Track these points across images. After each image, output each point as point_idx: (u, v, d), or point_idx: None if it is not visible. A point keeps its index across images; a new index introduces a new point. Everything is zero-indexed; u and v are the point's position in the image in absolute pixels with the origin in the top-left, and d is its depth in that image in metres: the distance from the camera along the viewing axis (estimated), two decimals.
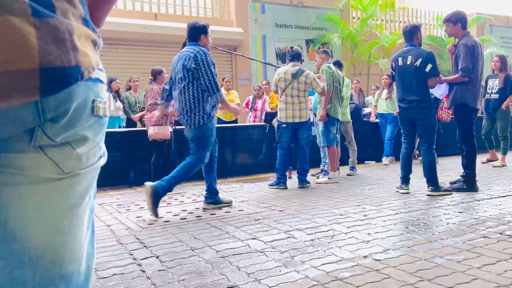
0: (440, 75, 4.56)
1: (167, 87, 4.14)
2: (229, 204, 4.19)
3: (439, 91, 4.81)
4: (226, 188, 5.32)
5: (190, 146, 4.00)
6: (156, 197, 3.61)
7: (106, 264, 2.56)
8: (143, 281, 2.27)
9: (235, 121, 7.84)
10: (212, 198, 4.15)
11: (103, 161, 0.83)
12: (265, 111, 7.81)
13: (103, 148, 0.83)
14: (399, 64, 4.53)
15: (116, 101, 6.71)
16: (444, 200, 4.15)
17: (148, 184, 3.63)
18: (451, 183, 4.77)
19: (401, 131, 4.75)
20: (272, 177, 5.61)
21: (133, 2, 9.85)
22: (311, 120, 5.78)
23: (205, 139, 3.91)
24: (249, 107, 7.97)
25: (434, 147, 4.54)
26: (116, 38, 9.15)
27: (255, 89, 8.02)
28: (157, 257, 2.65)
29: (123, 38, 9.20)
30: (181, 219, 3.71)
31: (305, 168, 5.25)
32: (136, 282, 2.26)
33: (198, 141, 3.91)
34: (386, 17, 12.84)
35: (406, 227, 3.19)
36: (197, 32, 4.00)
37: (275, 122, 5.49)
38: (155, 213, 3.63)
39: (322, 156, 5.98)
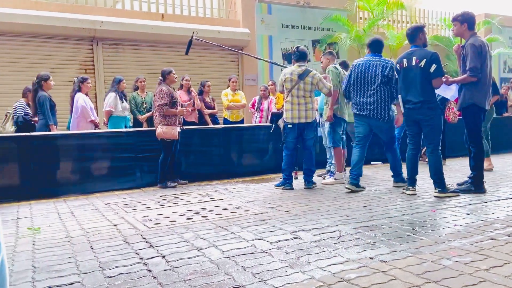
0: (447, 76, 4.53)
1: (344, 87, 5.14)
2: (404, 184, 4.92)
3: (449, 92, 4.76)
4: (232, 189, 5.33)
5: (382, 137, 5.06)
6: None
7: (113, 263, 2.57)
8: (149, 280, 2.28)
9: (241, 122, 7.85)
10: (399, 178, 5.08)
11: None
12: (271, 112, 7.82)
13: None
14: (404, 66, 4.51)
15: (122, 102, 6.74)
16: (451, 202, 4.12)
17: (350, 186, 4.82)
18: (459, 184, 4.74)
19: (407, 132, 4.73)
20: (278, 177, 5.61)
21: (140, 2, 9.89)
22: (317, 121, 5.77)
23: (393, 129, 5.05)
24: (255, 107, 7.98)
25: (440, 148, 4.50)
26: (123, 39, 9.20)
27: (261, 90, 8.02)
28: (163, 257, 2.66)
29: (130, 39, 9.24)
30: (187, 219, 3.71)
31: (311, 168, 5.24)
32: (142, 281, 2.27)
33: (389, 130, 4.99)
34: (393, 17, 12.76)
35: (413, 229, 3.17)
36: (381, 47, 5.02)
37: (281, 123, 5.49)
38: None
39: (328, 157, 5.97)
